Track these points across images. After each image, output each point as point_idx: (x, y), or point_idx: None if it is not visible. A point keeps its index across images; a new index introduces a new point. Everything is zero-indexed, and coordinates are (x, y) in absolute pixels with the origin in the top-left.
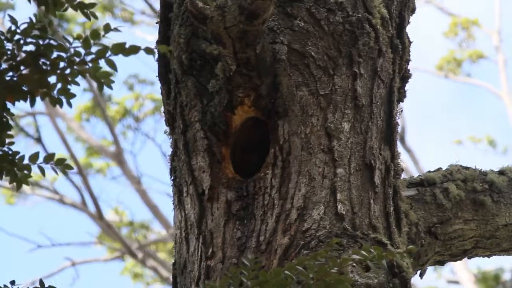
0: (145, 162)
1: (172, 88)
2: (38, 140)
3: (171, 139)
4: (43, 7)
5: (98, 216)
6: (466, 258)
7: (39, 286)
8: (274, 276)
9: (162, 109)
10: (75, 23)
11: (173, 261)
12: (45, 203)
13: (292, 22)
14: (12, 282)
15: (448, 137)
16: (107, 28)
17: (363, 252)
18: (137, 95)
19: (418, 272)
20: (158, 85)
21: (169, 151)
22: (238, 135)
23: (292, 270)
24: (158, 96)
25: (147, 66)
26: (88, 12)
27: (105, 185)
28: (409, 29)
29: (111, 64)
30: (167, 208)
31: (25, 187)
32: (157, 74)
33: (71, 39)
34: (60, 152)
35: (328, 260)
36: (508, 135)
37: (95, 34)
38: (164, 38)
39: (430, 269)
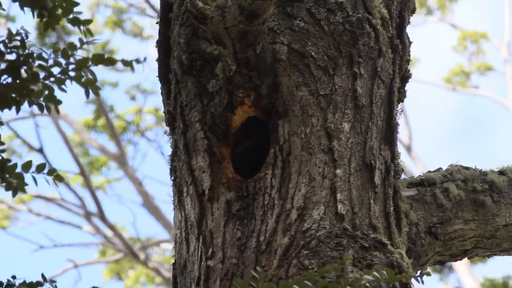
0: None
1: (172, 88)
2: (40, 150)
3: (171, 139)
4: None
5: (100, 217)
6: (470, 265)
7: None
8: None
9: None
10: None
11: (173, 261)
12: (41, 223)
13: (292, 22)
14: (13, 277)
15: (454, 147)
16: (82, 42)
17: (375, 273)
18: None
19: (418, 272)
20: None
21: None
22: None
23: (300, 285)
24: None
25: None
26: (84, 28)
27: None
28: (422, 46)
29: (92, 74)
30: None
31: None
32: (157, 74)
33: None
34: (64, 157)
35: (340, 278)
36: None
37: (72, 46)
38: (164, 38)
39: (435, 278)
